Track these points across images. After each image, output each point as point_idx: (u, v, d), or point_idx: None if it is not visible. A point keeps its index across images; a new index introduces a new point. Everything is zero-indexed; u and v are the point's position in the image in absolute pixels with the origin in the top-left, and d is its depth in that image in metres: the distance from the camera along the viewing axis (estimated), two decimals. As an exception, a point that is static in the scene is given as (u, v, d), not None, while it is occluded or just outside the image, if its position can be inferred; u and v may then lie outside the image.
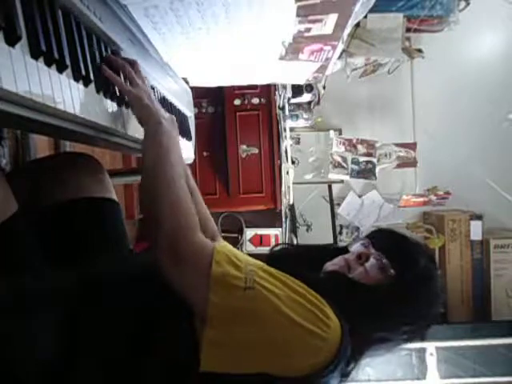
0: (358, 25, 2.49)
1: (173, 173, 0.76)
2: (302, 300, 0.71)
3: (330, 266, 0.88)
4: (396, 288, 0.83)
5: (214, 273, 0.69)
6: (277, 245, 1.09)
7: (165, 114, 0.82)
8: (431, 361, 2.74)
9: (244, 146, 2.42)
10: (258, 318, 0.70)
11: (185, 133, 1.30)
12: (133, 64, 0.84)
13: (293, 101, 2.80)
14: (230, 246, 0.78)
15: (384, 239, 0.92)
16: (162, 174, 0.75)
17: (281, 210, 2.46)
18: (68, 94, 0.63)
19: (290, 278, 0.74)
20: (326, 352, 0.71)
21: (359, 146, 3.09)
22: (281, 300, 0.70)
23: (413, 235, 3.14)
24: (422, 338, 0.92)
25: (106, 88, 0.76)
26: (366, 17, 2.42)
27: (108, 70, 0.76)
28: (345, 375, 0.78)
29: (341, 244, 3.35)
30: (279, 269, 0.76)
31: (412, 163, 3.18)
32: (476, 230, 3.19)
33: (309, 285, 0.75)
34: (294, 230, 2.82)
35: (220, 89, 2.30)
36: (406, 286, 0.84)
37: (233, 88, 2.31)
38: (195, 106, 1.57)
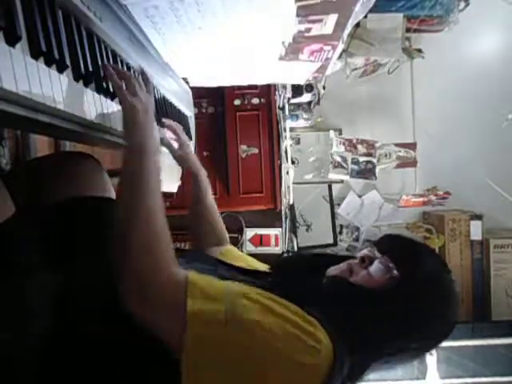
0: (358, 25, 2.49)
1: (153, 203, 0.72)
2: (288, 327, 0.66)
3: (332, 270, 0.85)
4: (400, 289, 0.77)
5: (190, 311, 0.64)
6: (284, 253, 1.08)
7: (157, 140, 0.79)
8: (431, 361, 2.74)
9: (244, 146, 2.42)
10: (243, 352, 0.65)
11: (185, 133, 1.30)
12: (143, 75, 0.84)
13: (293, 101, 2.80)
14: (207, 278, 0.72)
15: (390, 243, 0.87)
16: (140, 202, 0.71)
17: (281, 210, 2.46)
18: (68, 94, 0.63)
19: (277, 302, 0.70)
20: (318, 376, 0.67)
21: (359, 146, 3.09)
22: (265, 330, 0.65)
23: (413, 235, 3.14)
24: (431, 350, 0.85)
25: (106, 88, 0.76)
26: (366, 17, 2.42)
27: (110, 70, 0.75)
28: None
29: (341, 244, 3.36)
30: (283, 277, 0.74)
31: (412, 163, 3.18)
32: (476, 230, 3.19)
33: (309, 291, 0.73)
34: (294, 230, 2.82)
35: (220, 89, 2.29)
36: (410, 286, 0.78)
37: (233, 88, 2.31)
38: (195, 105, 1.57)
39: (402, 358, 0.83)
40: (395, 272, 0.79)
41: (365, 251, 0.85)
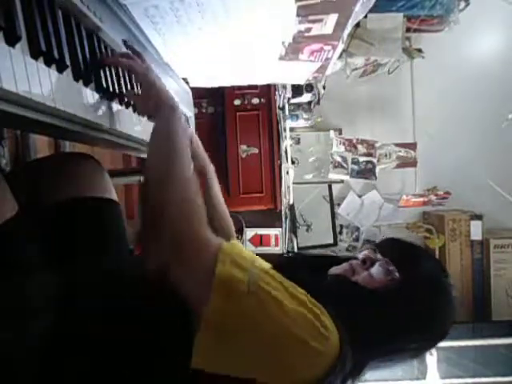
0: (358, 25, 2.49)
1: (186, 165, 0.74)
2: (302, 309, 0.69)
3: (334, 269, 0.87)
4: (400, 291, 0.79)
5: (218, 273, 0.67)
6: (286, 253, 1.09)
7: (176, 101, 0.82)
8: (431, 361, 2.74)
9: (244, 146, 2.42)
10: (256, 325, 0.67)
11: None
12: (137, 53, 0.85)
13: (293, 101, 2.80)
14: (238, 245, 0.76)
15: (390, 246, 0.89)
16: (176, 164, 0.73)
17: (281, 210, 2.46)
18: (68, 94, 0.63)
19: (292, 285, 0.72)
20: (323, 365, 0.69)
21: (359, 146, 3.09)
22: (281, 308, 0.68)
23: (413, 235, 3.15)
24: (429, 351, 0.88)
25: (106, 88, 0.76)
26: (366, 17, 2.42)
27: (111, 58, 0.78)
28: None
29: (341, 244, 3.36)
30: (284, 275, 0.75)
31: (412, 163, 3.18)
32: (476, 230, 3.19)
33: (311, 289, 0.74)
34: (294, 229, 2.82)
35: (220, 89, 2.29)
36: (410, 288, 0.80)
37: (233, 88, 2.31)
38: (195, 106, 1.57)
39: (402, 357, 0.85)
40: (396, 274, 0.81)
41: (366, 252, 0.86)
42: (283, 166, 2.45)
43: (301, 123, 3.11)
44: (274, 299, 0.68)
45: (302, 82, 1.44)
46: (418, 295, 0.80)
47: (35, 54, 0.56)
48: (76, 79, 0.66)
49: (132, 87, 0.89)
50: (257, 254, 0.79)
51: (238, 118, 2.41)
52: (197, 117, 1.61)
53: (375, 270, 0.82)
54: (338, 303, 0.75)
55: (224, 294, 0.67)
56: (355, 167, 3.08)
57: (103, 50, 0.78)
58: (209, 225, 0.73)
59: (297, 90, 2.67)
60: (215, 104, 2.44)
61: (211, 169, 1.15)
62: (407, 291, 0.80)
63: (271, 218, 2.50)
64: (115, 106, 0.80)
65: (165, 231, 0.69)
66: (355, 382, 0.79)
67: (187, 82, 1.37)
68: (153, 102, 0.79)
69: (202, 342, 0.67)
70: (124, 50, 0.85)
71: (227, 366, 0.68)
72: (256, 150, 2.42)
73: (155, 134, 0.77)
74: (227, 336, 0.67)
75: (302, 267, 0.91)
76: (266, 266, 0.74)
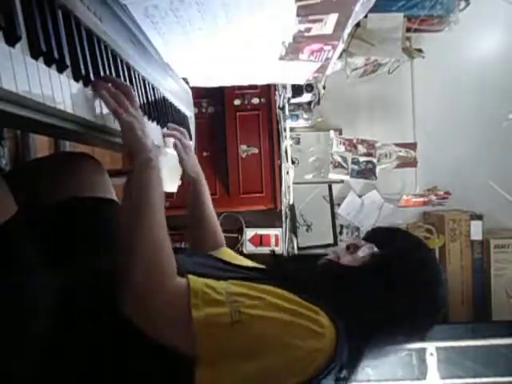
0: (358, 25, 2.49)
1: (157, 217, 0.73)
2: (293, 318, 0.69)
3: (322, 259, 0.91)
4: (383, 263, 0.83)
5: (197, 319, 0.66)
6: (277, 254, 1.11)
7: (153, 149, 0.79)
8: (431, 361, 2.74)
9: (244, 146, 2.42)
10: (252, 351, 0.67)
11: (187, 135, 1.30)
12: (127, 91, 0.80)
13: (293, 101, 2.80)
14: (205, 281, 0.73)
15: (373, 234, 0.94)
16: (145, 216, 0.72)
17: (281, 210, 2.46)
18: (68, 94, 0.63)
19: (276, 294, 0.72)
20: (322, 360, 0.70)
21: (359, 146, 3.09)
22: (271, 326, 0.68)
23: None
24: (423, 338, 0.90)
25: (105, 88, 0.76)
26: (366, 17, 2.42)
27: (102, 90, 0.74)
28: (341, 379, 0.76)
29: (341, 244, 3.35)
30: (279, 270, 0.76)
31: (412, 163, 3.18)
32: (476, 230, 3.19)
33: (305, 280, 0.76)
34: (294, 230, 2.81)
35: (220, 89, 2.29)
36: (393, 261, 0.83)
37: (233, 88, 2.31)
38: (195, 106, 1.57)
39: (397, 337, 0.86)
40: (376, 249, 0.85)
41: (350, 240, 0.93)
42: (283, 165, 2.45)
43: (301, 123, 3.11)
44: (261, 318, 0.68)
45: (302, 82, 1.44)
46: (400, 266, 0.83)
47: (35, 54, 0.56)
48: (76, 79, 0.66)
49: (132, 87, 0.88)
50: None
51: (238, 118, 2.41)
52: (197, 117, 1.61)
53: (359, 253, 0.87)
54: (329, 287, 0.78)
55: (210, 334, 0.66)
56: (355, 167, 3.07)
57: (103, 50, 0.78)
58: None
59: (297, 90, 2.67)
60: (215, 104, 2.44)
61: (203, 177, 1.18)
62: (389, 263, 0.83)
63: (271, 218, 2.50)
64: (115, 105, 0.80)
65: (133, 282, 0.68)
66: (355, 370, 0.80)
67: (187, 82, 1.37)
68: (131, 149, 0.77)
69: (202, 377, 0.66)
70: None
71: None
72: (256, 150, 2.42)
73: (129, 182, 0.76)
74: (226, 366, 0.67)
75: (294, 262, 0.95)
76: (242, 288, 0.73)
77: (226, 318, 0.67)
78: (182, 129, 1.17)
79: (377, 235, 0.93)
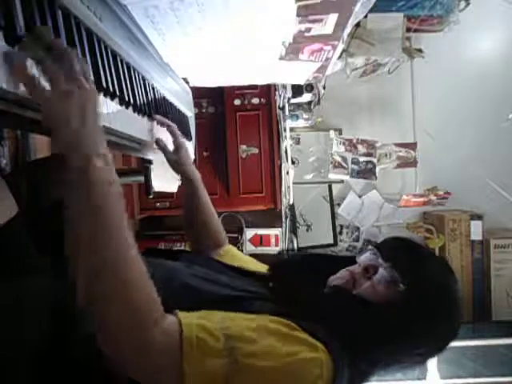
0: (358, 25, 2.49)
1: (120, 242, 0.56)
2: (290, 360, 0.64)
3: (334, 280, 0.82)
4: (406, 306, 0.75)
5: (188, 374, 0.58)
6: (282, 252, 1.07)
7: (104, 144, 0.57)
8: (431, 361, 2.73)
9: (244, 146, 2.42)
10: None
11: (185, 133, 1.30)
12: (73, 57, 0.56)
13: (293, 101, 2.80)
14: (199, 321, 0.63)
15: (394, 248, 0.84)
16: (103, 248, 0.55)
17: (281, 210, 2.46)
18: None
19: (273, 331, 0.66)
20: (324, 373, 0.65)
21: (359, 146, 3.09)
22: (269, 372, 0.62)
23: (413, 235, 3.14)
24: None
25: (105, 88, 0.76)
26: (366, 17, 2.42)
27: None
28: None
29: (341, 244, 3.35)
30: (283, 279, 0.73)
31: (412, 163, 3.18)
32: (476, 230, 3.19)
33: (310, 302, 0.72)
34: (293, 230, 2.82)
35: (220, 89, 2.29)
36: (416, 300, 0.76)
37: (233, 88, 2.31)
38: (195, 106, 1.57)
39: (407, 364, 0.84)
40: (401, 285, 0.77)
41: (368, 256, 0.82)
42: (283, 165, 2.45)
43: (301, 123, 3.11)
44: (256, 368, 0.62)
45: (302, 82, 1.44)
46: (424, 307, 0.76)
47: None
48: (76, 79, 0.66)
49: (132, 87, 0.89)
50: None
51: (238, 118, 2.41)
52: (197, 117, 1.61)
53: (378, 279, 0.78)
54: (337, 317, 0.72)
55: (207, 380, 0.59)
56: (355, 167, 3.07)
57: (103, 50, 0.78)
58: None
59: (297, 90, 2.67)
60: (215, 104, 2.44)
61: (199, 177, 1.11)
62: (412, 303, 0.76)
63: (271, 218, 2.50)
64: (115, 105, 0.80)
65: (111, 332, 0.57)
66: None
67: (187, 82, 1.37)
68: (60, 146, 0.53)
69: None
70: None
71: None
72: (256, 150, 2.42)
73: (67, 197, 0.55)
74: None
75: (300, 270, 0.88)
76: (242, 326, 0.65)
77: (221, 370, 0.60)
78: (171, 123, 1.07)
79: (398, 252, 0.82)
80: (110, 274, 0.55)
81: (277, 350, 0.64)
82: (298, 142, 3.26)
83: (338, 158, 3.06)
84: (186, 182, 1.11)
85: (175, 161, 1.09)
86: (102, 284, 0.55)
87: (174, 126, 1.09)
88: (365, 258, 0.83)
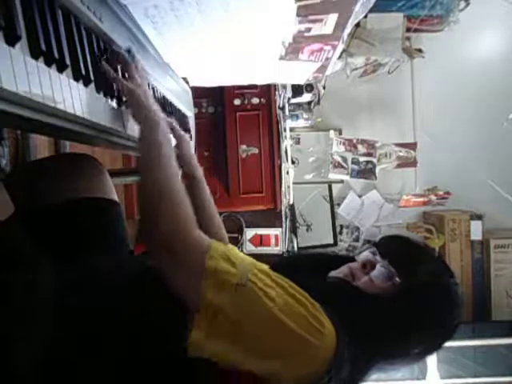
0: (358, 25, 2.49)
1: (171, 173, 0.76)
2: (296, 305, 0.69)
3: (334, 273, 0.86)
4: (402, 296, 0.79)
5: (208, 267, 0.69)
6: (283, 254, 1.08)
7: (161, 114, 0.82)
8: (431, 361, 2.74)
9: (244, 146, 2.42)
10: (247, 317, 0.68)
11: (185, 133, 1.30)
12: (133, 62, 0.84)
13: (293, 101, 2.80)
14: (229, 246, 0.77)
15: (392, 246, 0.88)
16: (160, 174, 0.75)
17: (281, 210, 2.46)
18: (68, 94, 0.63)
19: (288, 283, 0.72)
20: (320, 361, 0.69)
21: (359, 146, 3.09)
22: (274, 302, 0.68)
23: (412, 234, 3.15)
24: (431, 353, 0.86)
25: (106, 88, 0.76)
26: (366, 17, 2.42)
27: (105, 65, 0.76)
28: None
29: (341, 244, 3.36)
30: (283, 275, 0.75)
31: (412, 163, 3.18)
32: (476, 230, 3.19)
33: (311, 291, 0.73)
34: (293, 230, 2.82)
35: (220, 89, 2.30)
36: (412, 293, 0.79)
37: (233, 88, 2.31)
38: (195, 106, 1.57)
39: (404, 360, 0.84)
40: (396, 279, 0.81)
41: (366, 254, 0.86)
42: (283, 165, 2.45)
43: (301, 123, 3.11)
44: (265, 292, 0.68)
45: (302, 82, 1.44)
46: (419, 299, 0.79)
47: (35, 53, 0.56)
48: (76, 79, 0.66)
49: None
50: (256, 256, 0.78)
51: (238, 118, 2.41)
52: (197, 117, 1.61)
53: (376, 274, 0.82)
54: (338, 307, 0.74)
55: (214, 286, 0.68)
56: (355, 167, 3.08)
57: (103, 50, 0.78)
58: (201, 229, 0.74)
59: (297, 90, 2.67)
60: (215, 104, 2.44)
61: (201, 173, 1.10)
62: (408, 296, 0.79)
63: (271, 218, 2.50)
64: (115, 105, 0.80)
65: (159, 232, 0.71)
66: None
67: (187, 82, 1.37)
68: (135, 113, 0.81)
69: (194, 337, 0.67)
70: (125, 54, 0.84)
71: (224, 356, 0.68)
72: (256, 150, 2.42)
73: (140, 145, 0.80)
74: (220, 327, 0.68)
75: (301, 268, 0.90)
76: (260, 265, 0.75)
77: (232, 278, 0.68)
78: (169, 119, 1.09)
79: (395, 250, 0.86)
80: (167, 183, 0.75)
81: (285, 287, 0.71)
82: (297, 141, 3.27)
83: (338, 158, 3.06)
84: (188, 180, 1.10)
85: (176, 154, 1.08)
86: (162, 188, 0.73)
87: (173, 121, 1.09)
88: (363, 255, 0.86)
